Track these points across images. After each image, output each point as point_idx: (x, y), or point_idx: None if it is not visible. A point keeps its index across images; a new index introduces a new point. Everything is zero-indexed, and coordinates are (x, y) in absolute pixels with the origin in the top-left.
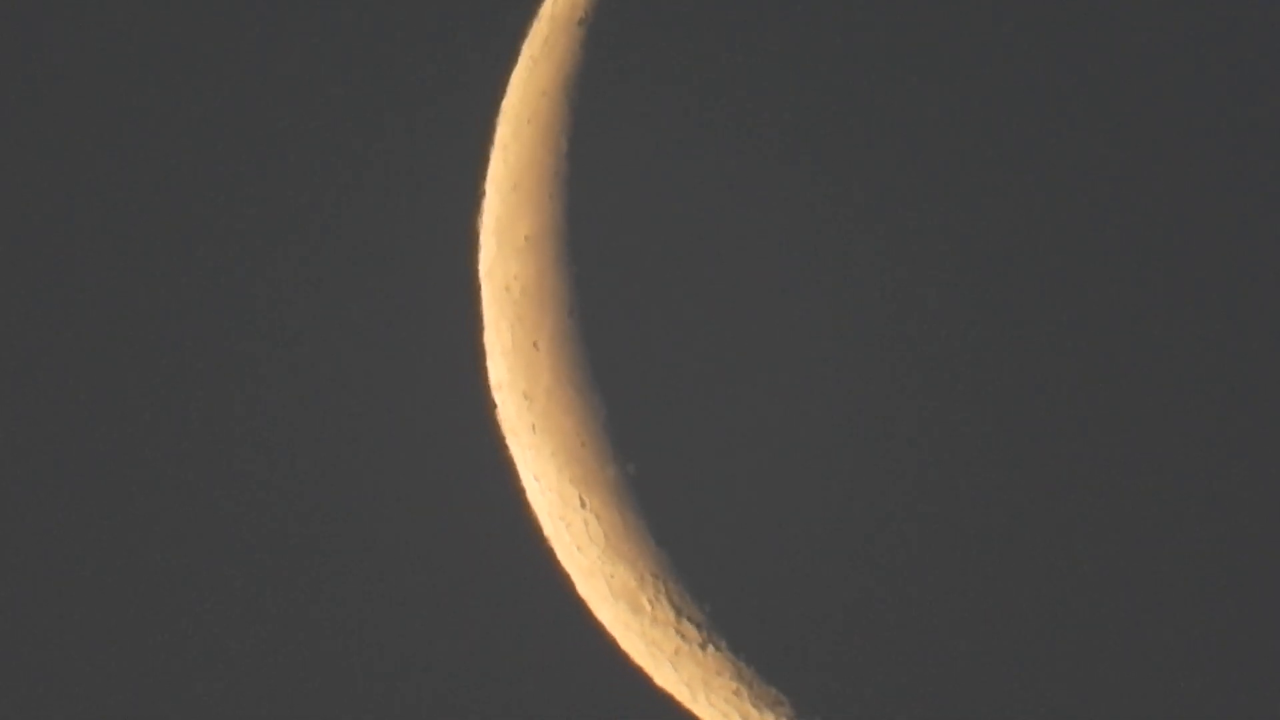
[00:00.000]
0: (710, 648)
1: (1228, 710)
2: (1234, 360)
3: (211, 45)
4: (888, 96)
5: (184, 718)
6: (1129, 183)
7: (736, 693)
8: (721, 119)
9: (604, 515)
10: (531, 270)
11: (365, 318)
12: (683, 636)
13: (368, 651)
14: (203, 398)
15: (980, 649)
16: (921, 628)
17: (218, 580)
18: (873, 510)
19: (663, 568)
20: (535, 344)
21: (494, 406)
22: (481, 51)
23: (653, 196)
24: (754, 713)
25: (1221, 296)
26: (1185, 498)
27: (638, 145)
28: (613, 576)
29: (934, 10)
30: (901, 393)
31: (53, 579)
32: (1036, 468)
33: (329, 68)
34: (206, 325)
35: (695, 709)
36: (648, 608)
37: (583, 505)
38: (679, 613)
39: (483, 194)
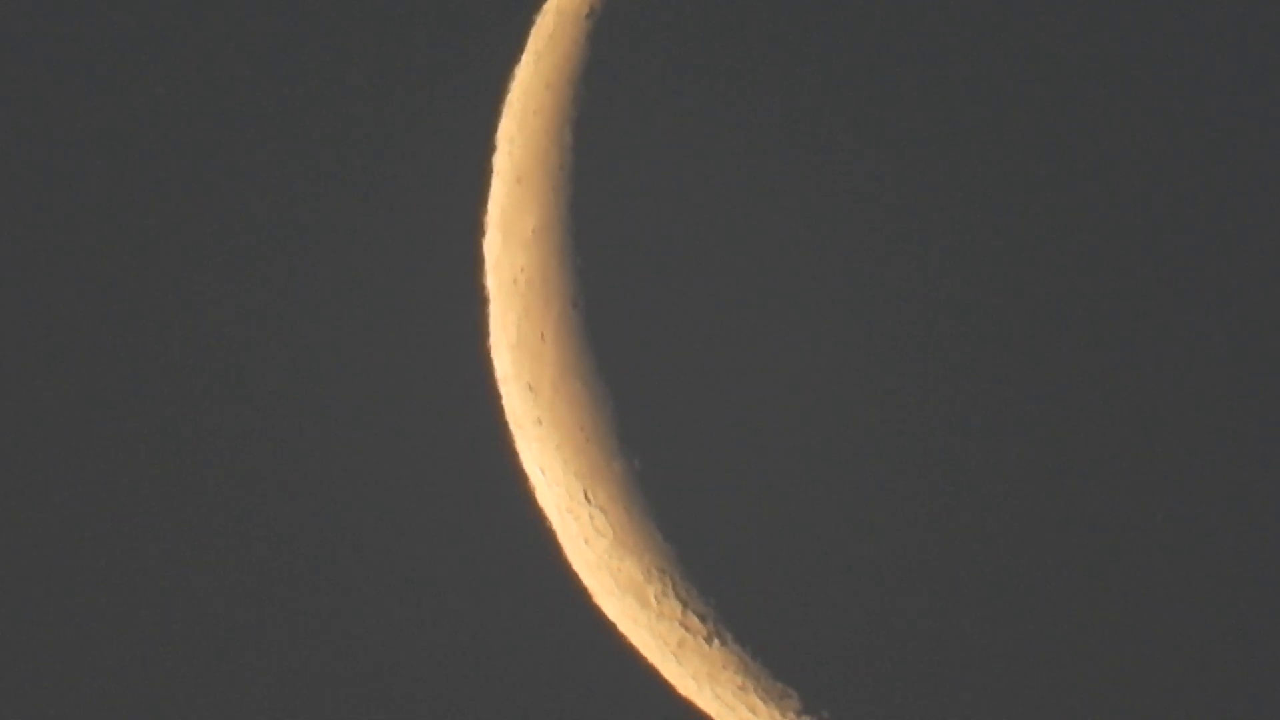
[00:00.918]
0: (716, 641)
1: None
2: (1246, 360)
3: (218, 38)
4: (894, 91)
5: (185, 717)
6: (1136, 181)
7: (743, 686)
8: (726, 112)
9: (610, 509)
10: (537, 263)
11: (371, 311)
12: (689, 630)
13: (372, 644)
14: (206, 392)
15: (987, 643)
16: (928, 621)
17: (224, 567)
18: (880, 503)
19: (669, 561)
20: (541, 336)
21: (500, 399)
22: (487, 44)
23: (658, 189)
24: (761, 706)
25: (1231, 297)
26: (1198, 497)
27: (643, 138)
28: (619, 570)
29: (942, 7)
30: (909, 385)
31: (59, 578)
32: (1046, 459)
33: (335, 60)
34: (209, 321)
35: (701, 702)
36: (654, 601)
37: (588, 499)
38: (685, 606)
39: (488, 187)
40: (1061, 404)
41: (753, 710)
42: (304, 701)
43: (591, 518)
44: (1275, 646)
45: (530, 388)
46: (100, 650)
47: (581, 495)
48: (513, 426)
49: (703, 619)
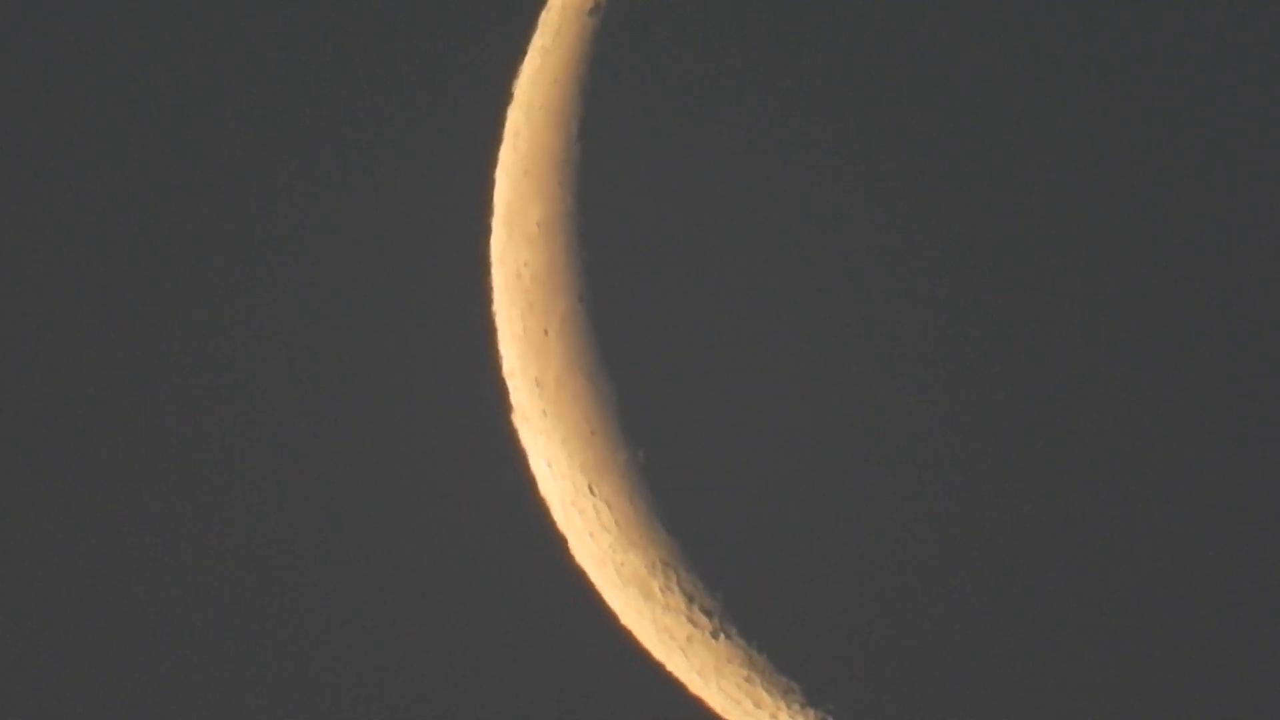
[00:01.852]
0: (722, 635)
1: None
2: (1247, 360)
3: (224, 34)
4: (899, 88)
5: (187, 716)
6: (1136, 181)
7: (748, 680)
8: (732, 106)
9: (615, 502)
10: (542, 257)
11: (377, 304)
12: (694, 624)
13: (376, 637)
14: (212, 387)
15: (990, 638)
16: (933, 614)
17: (233, 558)
18: (884, 498)
19: (674, 555)
20: (546, 331)
21: (505, 393)
22: (493, 39)
23: (663, 184)
24: (766, 700)
25: (1232, 297)
26: (1198, 498)
27: (648, 133)
28: (623, 564)
29: (947, 6)
30: (914, 380)
31: (62, 577)
32: (1050, 455)
33: (341, 55)
34: (212, 317)
35: (706, 696)
36: (659, 595)
37: (593, 492)
38: (690, 600)
39: (494, 181)
40: (1064, 403)
41: (757, 703)
42: (309, 692)
43: (596, 511)
44: (1275, 646)
45: (535, 381)
46: (121, 650)
47: (586, 489)
48: (518, 420)
49: (708, 613)
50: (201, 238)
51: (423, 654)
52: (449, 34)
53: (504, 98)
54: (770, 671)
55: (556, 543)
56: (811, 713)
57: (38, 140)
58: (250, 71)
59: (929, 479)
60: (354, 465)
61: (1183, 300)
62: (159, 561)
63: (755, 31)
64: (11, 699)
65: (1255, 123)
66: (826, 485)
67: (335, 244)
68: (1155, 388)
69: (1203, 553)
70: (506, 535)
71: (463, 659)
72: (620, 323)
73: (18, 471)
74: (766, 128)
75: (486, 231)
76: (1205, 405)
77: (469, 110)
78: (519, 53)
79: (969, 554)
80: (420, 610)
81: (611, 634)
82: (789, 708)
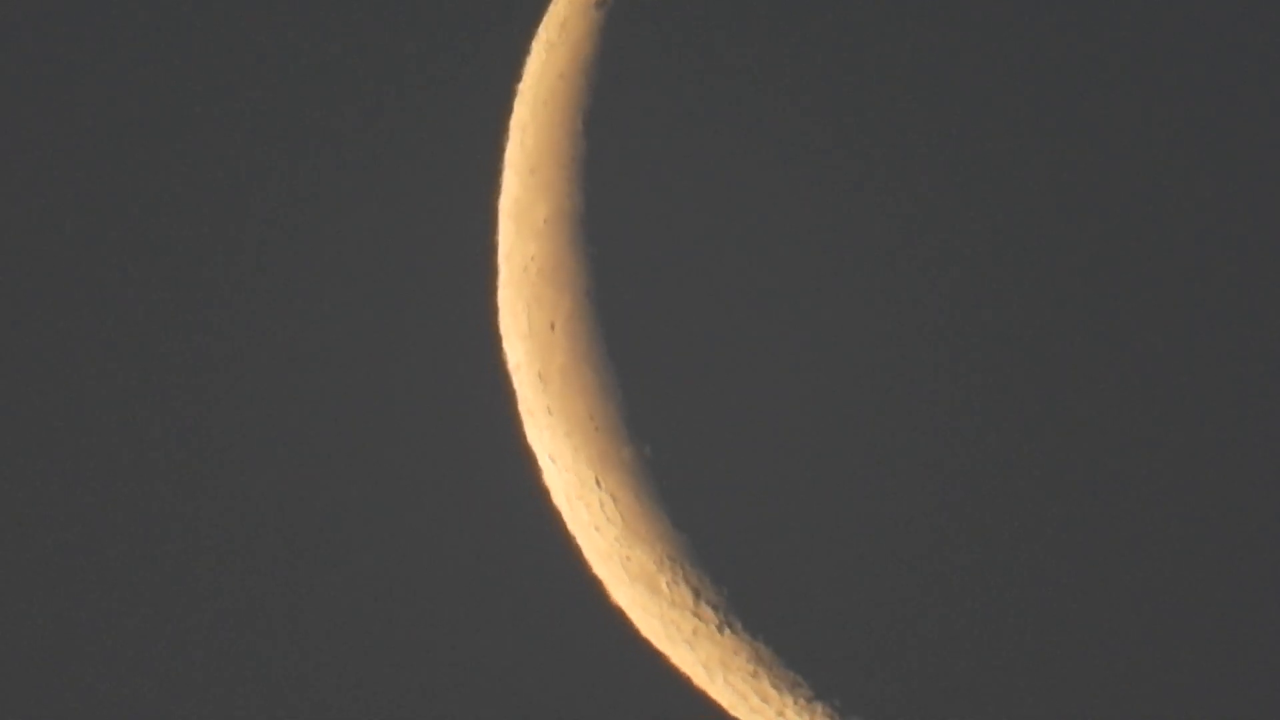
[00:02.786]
0: (728, 630)
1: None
2: (1247, 360)
3: (232, 31)
4: (903, 86)
5: (189, 715)
6: (1137, 181)
7: (754, 674)
8: (737, 102)
9: (620, 496)
10: (548, 252)
11: (384, 299)
12: (700, 618)
13: (382, 634)
14: (217, 385)
15: (996, 632)
16: (938, 609)
17: (243, 550)
18: (890, 494)
19: (680, 551)
20: (552, 325)
21: (511, 387)
22: (499, 35)
23: (669, 180)
24: (772, 694)
25: (1232, 297)
26: (1199, 498)
27: (654, 128)
28: (629, 559)
29: (950, 7)
30: (918, 377)
31: (65, 576)
32: (1052, 453)
33: (348, 51)
34: (221, 315)
35: (712, 690)
36: (665, 590)
37: (598, 485)
38: (697, 595)
39: (501, 177)
40: (1065, 403)
41: (764, 698)
42: (317, 685)
43: (602, 505)
44: (1276, 646)
45: (541, 376)
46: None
47: (592, 482)
48: (524, 415)
49: (714, 607)
50: (208, 238)
51: (429, 648)
52: (455, 30)
53: (510, 93)
54: (776, 666)
55: (562, 537)
56: (818, 707)
57: (42, 140)
58: (257, 69)
59: (934, 474)
60: (360, 459)
61: (1183, 300)
62: (160, 562)
63: (760, 27)
64: (11, 699)
65: (1255, 123)
66: (832, 480)
67: (342, 240)
68: (1156, 387)
69: (1203, 553)
70: (512, 530)
71: (469, 653)
72: (625, 318)
73: (18, 471)
74: (772, 124)
75: (493, 227)
76: (1205, 405)
77: (476, 105)
78: (525, 47)
79: (974, 548)
80: (426, 605)
81: (617, 628)
82: (795, 702)
